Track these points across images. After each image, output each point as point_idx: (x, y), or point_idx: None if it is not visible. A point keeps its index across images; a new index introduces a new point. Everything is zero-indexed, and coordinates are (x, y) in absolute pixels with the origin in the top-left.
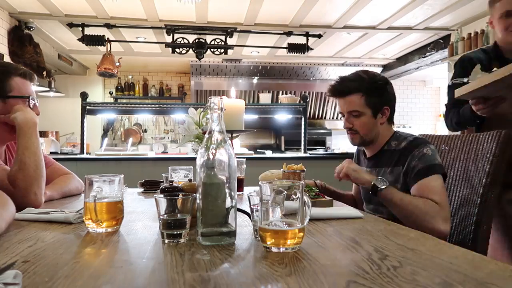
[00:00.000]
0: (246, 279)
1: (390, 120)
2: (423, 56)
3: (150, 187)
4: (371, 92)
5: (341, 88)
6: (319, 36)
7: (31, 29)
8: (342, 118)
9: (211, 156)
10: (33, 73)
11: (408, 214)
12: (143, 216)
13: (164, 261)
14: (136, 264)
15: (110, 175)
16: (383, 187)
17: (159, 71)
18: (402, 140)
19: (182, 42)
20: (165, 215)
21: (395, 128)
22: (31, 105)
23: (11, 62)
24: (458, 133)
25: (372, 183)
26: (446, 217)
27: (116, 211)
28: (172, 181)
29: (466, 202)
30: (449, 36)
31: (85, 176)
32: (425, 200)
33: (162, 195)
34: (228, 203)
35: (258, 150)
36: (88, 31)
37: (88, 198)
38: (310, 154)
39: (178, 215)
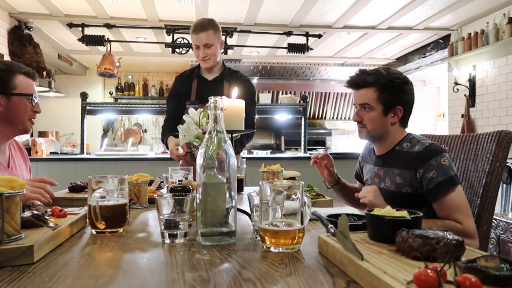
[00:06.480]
0: (246, 279)
1: (403, 122)
2: (423, 56)
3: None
4: (385, 88)
5: (357, 80)
6: (319, 36)
7: (31, 29)
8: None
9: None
10: (35, 72)
11: None
12: (143, 216)
13: (164, 261)
14: (136, 264)
15: (115, 176)
16: None
17: (159, 71)
18: (416, 143)
19: (182, 42)
20: (165, 215)
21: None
22: (34, 103)
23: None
24: (458, 133)
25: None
26: (470, 235)
27: (121, 214)
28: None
29: None
30: (449, 36)
31: (89, 176)
32: (447, 225)
33: (162, 196)
34: (228, 203)
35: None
36: (88, 31)
37: (92, 200)
38: (310, 154)
39: (178, 215)
